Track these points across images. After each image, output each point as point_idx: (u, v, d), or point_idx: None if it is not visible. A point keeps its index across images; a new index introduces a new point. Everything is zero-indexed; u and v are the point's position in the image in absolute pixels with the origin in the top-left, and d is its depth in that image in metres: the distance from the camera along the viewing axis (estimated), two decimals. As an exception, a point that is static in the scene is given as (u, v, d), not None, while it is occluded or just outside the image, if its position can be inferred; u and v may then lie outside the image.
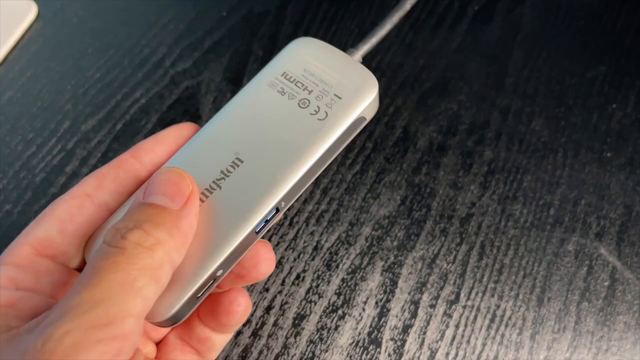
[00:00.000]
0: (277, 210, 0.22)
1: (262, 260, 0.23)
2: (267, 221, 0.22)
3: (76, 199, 0.21)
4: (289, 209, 0.34)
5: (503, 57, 0.39)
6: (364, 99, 0.23)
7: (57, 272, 0.20)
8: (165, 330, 0.25)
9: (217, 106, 0.38)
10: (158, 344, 0.24)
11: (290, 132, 0.22)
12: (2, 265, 0.19)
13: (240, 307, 0.23)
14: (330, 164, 0.28)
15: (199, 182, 0.21)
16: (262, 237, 0.23)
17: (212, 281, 0.21)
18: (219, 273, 0.21)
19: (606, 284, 0.32)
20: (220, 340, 0.24)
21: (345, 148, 0.30)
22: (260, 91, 0.23)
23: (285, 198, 0.22)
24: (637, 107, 0.37)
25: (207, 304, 0.23)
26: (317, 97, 0.23)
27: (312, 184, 0.34)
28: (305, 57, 0.24)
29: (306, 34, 0.40)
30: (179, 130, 0.23)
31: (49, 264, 0.20)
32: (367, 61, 0.25)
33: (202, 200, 0.21)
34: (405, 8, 0.26)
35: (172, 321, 0.20)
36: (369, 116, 0.24)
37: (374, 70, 0.24)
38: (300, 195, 0.33)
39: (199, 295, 0.21)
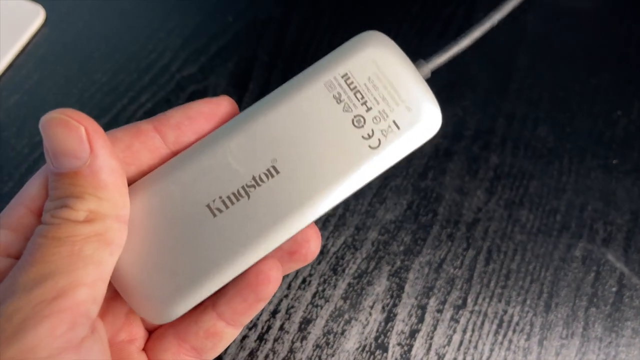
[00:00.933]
0: None
1: (312, 237, 0.21)
2: None
3: None
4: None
5: (507, 63, 0.40)
6: (423, 138, 0.20)
7: None
8: None
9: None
10: (152, 331, 0.22)
11: (337, 152, 0.20)
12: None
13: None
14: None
15: (228, 183, 0.19)
16: None
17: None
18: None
19: (614, 289, 0.32)
20: (228, 335, 0.22)
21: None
22: (315, 90, 0.20)
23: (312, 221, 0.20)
24: (641, 114, 0.38)
25: (236, 283, 0.21)
26: (374, 119, 0.20)
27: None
28: (374, 61, 0.21)
29: (311, 41, 0.40)
30: (214, 107, 0.21)
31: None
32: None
33: (226, 206, 0.19)
34: (492, 22, 0.23)
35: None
36: None
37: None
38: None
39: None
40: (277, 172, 0.20)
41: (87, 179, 0.17)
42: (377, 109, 0.20)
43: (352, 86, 0.20)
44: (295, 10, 0.42)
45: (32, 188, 0.19)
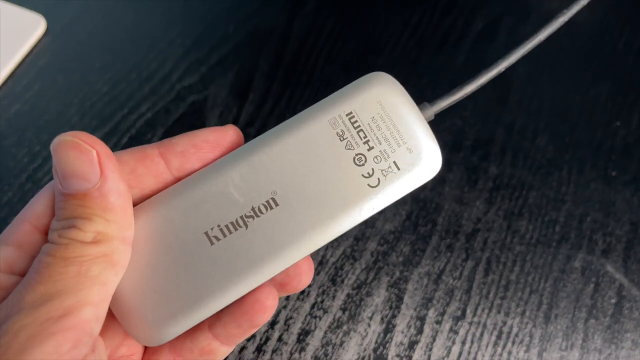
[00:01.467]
0: None
1: (305, 271, 0.21)
2: None
3: None
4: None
5: (507, 74, 0.40)
6: (422, 179, 0.21)
7: None
8: None
9: (223, 121, 0.38)
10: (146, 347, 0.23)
11: (336, 189, 0.20)
12: (3, 246, 0.18)
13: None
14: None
15: (227, 212, 0.20)
16: None
17: None
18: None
19: (613, 301, 0.32)
20: (222, 352, 0.22)
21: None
22: (320, 127, 0.20)
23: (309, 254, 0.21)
24: (640, 125, 0.38)
25: (231, 309, 0.21)
26: (375, 158, 0.20)
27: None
28: (379, 102, 0.21)
29: (312, 50, 0.41)
30: (220, 136, 0.21)
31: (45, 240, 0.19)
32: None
33: (224, 235, 0.20)
34: (499, 69, 0.23)
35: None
36: None
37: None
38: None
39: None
40: (277, 204, 0.20)
41: (96, 201, 0.17)
42: (378, 148, 0.20)
43: (355, 125, 0.20)
44: (296, 21, 0.42)
45: (37, 205, 0.19)
